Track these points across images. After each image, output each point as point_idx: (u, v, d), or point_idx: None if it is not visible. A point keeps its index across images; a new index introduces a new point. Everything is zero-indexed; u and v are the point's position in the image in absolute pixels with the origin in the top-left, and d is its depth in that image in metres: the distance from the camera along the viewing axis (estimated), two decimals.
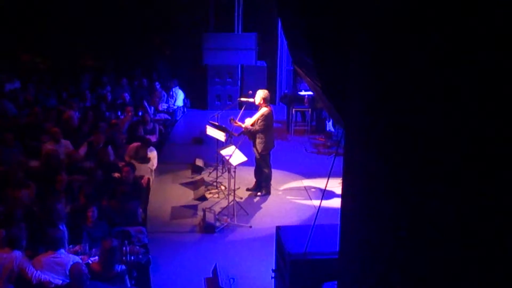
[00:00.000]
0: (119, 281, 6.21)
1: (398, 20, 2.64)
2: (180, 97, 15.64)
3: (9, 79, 14.94)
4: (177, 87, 15.65)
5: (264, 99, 9.69)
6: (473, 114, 1.98)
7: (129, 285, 6.39)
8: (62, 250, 6.40)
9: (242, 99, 10.72)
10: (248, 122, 9.70)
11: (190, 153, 12.17)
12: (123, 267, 6.37)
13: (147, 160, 10.10)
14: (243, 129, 9.73)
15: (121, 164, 9.63)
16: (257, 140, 9.68)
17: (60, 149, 9.87)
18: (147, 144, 10.34)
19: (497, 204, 1.88)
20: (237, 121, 9.72)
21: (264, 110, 9.64)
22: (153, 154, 10.43)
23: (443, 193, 2.22)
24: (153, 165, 10.34)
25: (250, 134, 9.72)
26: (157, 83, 16.01)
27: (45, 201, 7.69)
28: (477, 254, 1.99)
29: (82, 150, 10.06)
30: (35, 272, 6.10)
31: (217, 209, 9.27)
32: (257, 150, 9.76)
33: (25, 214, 7.34)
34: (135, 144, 10.34)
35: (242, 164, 9.22)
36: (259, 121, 9.60)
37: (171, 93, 15.58)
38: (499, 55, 1.85)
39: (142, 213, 8.59)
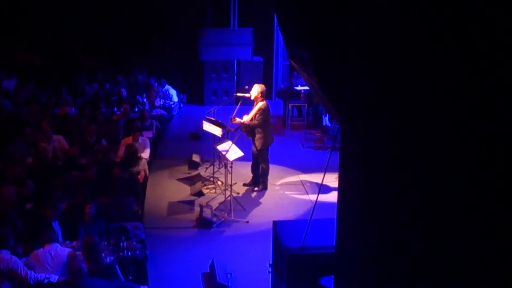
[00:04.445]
0: (111, 273, 6.22)
1: (399, 17, 2.64)
2: (174, 94, 15.63)
3: (8, 76, 14.91)
4: (167, 85, 15.62)
5: (261, 93, 9.70)
6: (474, 114, 1.99)
7: (122, 276, 6.40)
8: (57, 244, 6.41)
9: (239, 94, 10.72)
10: (246, 118, 9.72)
11: (187, 149, 12.15)
12: (112, 258, 6.38)
13: (137, 163, 10.06)
14: (242, 125, 9.71)
15: (117, 160, 9.64)
16: (256, 136, 9.69)
17: (52, 145, 9.84)
18: (137, 133, 10.33)
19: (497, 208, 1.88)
20: (236, 118, 9.71)
21: (260, 104, 9.66)
22: (144, 144, 10.41)
23: (442, 190, 2.23)
24: (144, 165, 10.27)
25: (249, 129, 9.72)
26: (152, 78, 15.98)
27: (40, 197, 7.69)
28: (477, 255, 2.00)
29: (77, 146, 10.03)
30: (29, 272, 6.07)
31: (214, 204, 9.28)
32: (256, 146, 9.77)
33: (19, 211, 7.34)
34: (127, 141, 10.26)
35: (239, 159, 9.23)
36: (257, 115, 9.61)
37: (164, 92, 15.50)
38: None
39: (139, 208, 8.59)
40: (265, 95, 9.83)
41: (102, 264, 6.22)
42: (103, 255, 6.38)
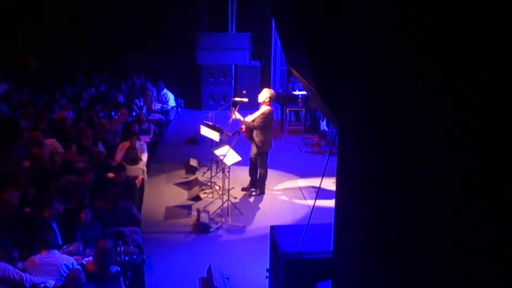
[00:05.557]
0: (114, 282, 6.19)
1: (397, 20, 2.64)
2: (171, 98, 15.63)
3: (5, 80, 14.88)
4: (165, 88, 15.63)
5: (269, 98, 9.69)
6: (473, 115, 1.99)
7: (123, 286, 6.37)
8: (56, 251, 6.39)
9: (236, 99, 10.72)
10: (249, 119, 9.70)
11: (184, 153, 12.15)
12: (118, 268, 6.35)
13: (137, 161, 10.07)
14: (242, 123, 9.68)
15: (114, 164, 9.62)
16: (256, 139, 9.68)
17: (47, 150, 9.81)
18: (134, 138, 10.35)
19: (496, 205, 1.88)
20: (236, 112, 9.66)
21: (265, 109, 9.64)
22: (142, 148, 10.42)
23: (438, 192, 2.23)
24: (143, 166, 10.27)
25: (248, 129, 9.69)
26: (149, 82, 15.97)
27: (38, 201, 7.67)
28: (476, 254, 2.00)
29: (74, 150, 10.01)
30: (23, 275, 6.03)
31: (211, 209, 9.27)
32: (253, 149, 9.76)
33: (15, 215, 7.32)
34: (124, 145, 10.28)
35: (237, 164, 9.22)
36: (259, 118, 9.59)
37: (162, 96, 15.49)
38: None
39: (136, 213, 8.57)
40: (272, 101, 9.82)
41: (109, 272, 6.19)
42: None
